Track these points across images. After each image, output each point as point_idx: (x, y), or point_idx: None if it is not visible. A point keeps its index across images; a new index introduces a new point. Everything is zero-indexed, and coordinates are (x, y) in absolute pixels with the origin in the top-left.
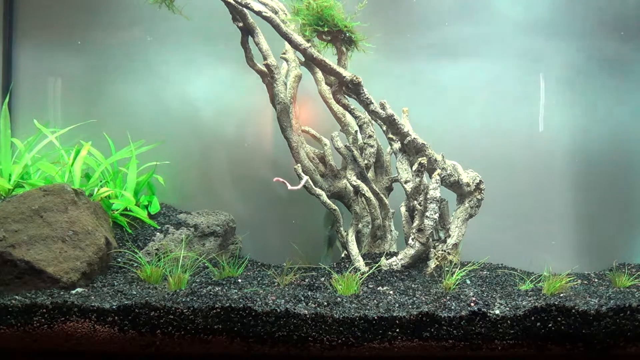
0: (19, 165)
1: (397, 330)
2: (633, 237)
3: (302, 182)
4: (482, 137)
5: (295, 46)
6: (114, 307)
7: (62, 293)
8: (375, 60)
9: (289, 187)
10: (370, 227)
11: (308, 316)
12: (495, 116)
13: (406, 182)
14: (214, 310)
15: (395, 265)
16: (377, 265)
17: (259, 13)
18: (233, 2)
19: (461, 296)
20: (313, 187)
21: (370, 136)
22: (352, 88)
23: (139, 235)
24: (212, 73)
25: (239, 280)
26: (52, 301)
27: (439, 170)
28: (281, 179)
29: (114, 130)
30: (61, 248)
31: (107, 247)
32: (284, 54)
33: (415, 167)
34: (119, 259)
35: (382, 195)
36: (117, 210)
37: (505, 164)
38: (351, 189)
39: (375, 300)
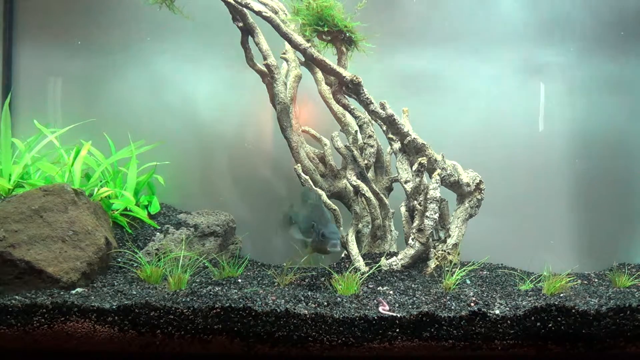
0: (19, 165)
1: (397, 330)
2: (633, 237)
3: (392, 314)
4: (482, 137)
5: (295, 46)
6: (114, 307)
7: (62, 293)
8: (375, 60)
9: (382, 309)
10: (370, 227)
11: (308, 316)
12: (495, 116)
13: (406, 182)
14: (214, 310)
15: (395, 265)
16: (377, 265)
17: (259, 13)
18: (233, 2)
19: (461, 296)
20: (313, 187)
21: (370, 136)
22: (352, 88)
23: (139, 235)
24: (212, 73)
25: (239, 280)
26: (52, 301)
27: (439, 170)
28: (382, 308)
29: (114, 130)
30: (61, 248)
31: (107, 247)
32: (284, 54)
33: (415, 167)
34: (119, 259)
35: (382, 195)
36: (117, 210)
37: (505, 164)
38: (351, 189)
39: (375, 300)
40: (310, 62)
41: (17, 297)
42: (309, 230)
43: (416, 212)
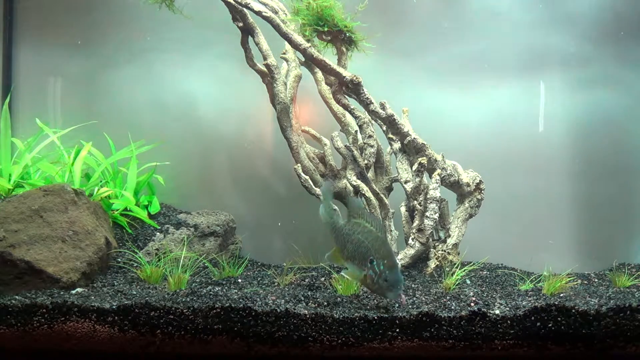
0: (19, 165)
1: (397, 330)
2: (633, 237)
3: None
4: (482, 137)
5: (295, 46)
6: (114, 307)
7: (62, 293)
8: (376, 60)
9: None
10: None
11: (308, 316)
12: (496, 116)
13: (406, 182)
14: (214, 310)
15: None
16: None
17: (259, 13)
18: (233, 2)
19: (461, 296)
20: (313, 187)
21: (370, 136)
22: (352, 88)
23: (139, 235)
24: (212, 73)
25: (239, 280)
26: (52, 301)
27: (439, 170)
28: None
29: (114, 130)
30: (61, 248)
31: (107, 247)
32: (284, 54)
33: (415, 167)
34: (119, 259)
35: (382, 195)
36: (117, 210)
37: (505, 164)
38: (351, 189)
39: (375, 300)
40: (310, 62)
41: (17, 297)
42: (361, 260)
43: (416, 212)
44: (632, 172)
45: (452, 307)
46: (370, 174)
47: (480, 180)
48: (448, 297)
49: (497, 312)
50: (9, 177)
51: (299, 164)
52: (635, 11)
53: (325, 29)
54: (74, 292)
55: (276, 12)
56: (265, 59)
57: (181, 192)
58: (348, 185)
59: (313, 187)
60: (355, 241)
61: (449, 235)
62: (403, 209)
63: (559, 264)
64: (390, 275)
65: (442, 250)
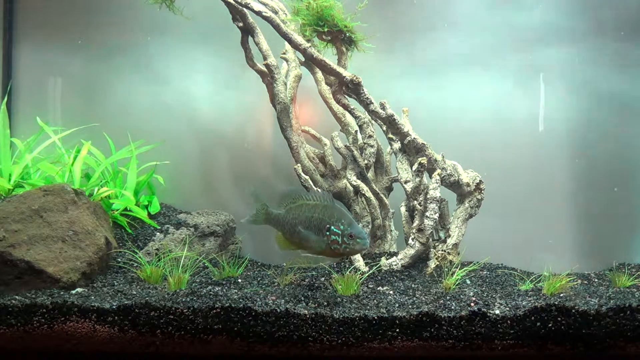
0: (19, 165)
1: (397, 330)
2: (633, 237)
3: None
4: (482, 137)
5: (295, 46)
6: (114, 307)
7: (62, 293)
8: (376, 60)
9: None
10: (370, 227)
11: (308, 316)
12: (496, 116)
13: (406, 182)
14: (214, 310)
15: (395, 265)
16: (377, 265)
17: (259, 13)
18: (233, 2)
19: (461, 296)
20: (313, 187)
21: (370, 136)
22: (352, 88)
23: (139, 235)
24: (212, 73)
25: (239, 280)
26: (52, 301)
27: (439, 170)
28: None
29: (114, 130)
30: (61, 248)
31: (107, 247)
32: (284, 54)
33: (415, 167)
34: (119, 259)
35: (382, 195)
36: (117, 210)
37: (505, 164)
38: (351, 189)
39: (375, 300)
40: (310, 62)
41: (17, 297)
42: (317, 233)
43: (416, 212)
44: (632, 172)
45: (452, 307)
46: (370, 174)
47: (480, 180)
48: (448, 297)
49: (497, 312)
50: (9, 177)
51: (299, 164)
52: (635, 11)
53: (325, 29)
54: (74, 292)
55: (276, 12)
56: (265, 59)
57: (181, 192)
58: (348, 185)
59: (313, 187)
60: (304, 221)
61: (449, 235)
62: (403, 209)
63: (559, 264)
64: (352, 229)
65: (442, 250)
